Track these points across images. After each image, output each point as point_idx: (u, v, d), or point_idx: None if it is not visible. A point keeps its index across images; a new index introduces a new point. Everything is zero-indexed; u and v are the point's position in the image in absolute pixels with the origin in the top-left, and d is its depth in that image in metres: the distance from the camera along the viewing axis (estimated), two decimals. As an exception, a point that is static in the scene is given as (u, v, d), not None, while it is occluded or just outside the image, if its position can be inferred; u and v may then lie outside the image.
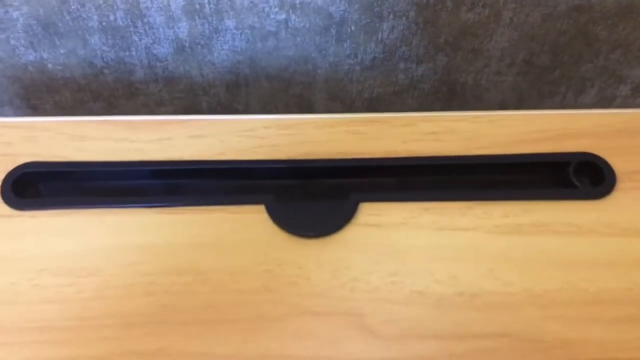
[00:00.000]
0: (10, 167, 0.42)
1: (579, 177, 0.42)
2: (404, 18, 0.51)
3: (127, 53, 0.54)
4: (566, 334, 0.36)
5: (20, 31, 0.51)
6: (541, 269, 0.38)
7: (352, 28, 0.52)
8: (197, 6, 0.50)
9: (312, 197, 0.42)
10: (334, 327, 0.36)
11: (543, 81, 0.58)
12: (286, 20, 0.51)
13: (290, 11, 0.50)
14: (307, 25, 0.51)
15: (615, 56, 0.56)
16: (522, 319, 0.37)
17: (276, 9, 0.50)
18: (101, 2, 0.49)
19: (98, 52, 0.54)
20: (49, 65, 0.55)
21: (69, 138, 0.43)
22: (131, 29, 0.51)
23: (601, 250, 0.39)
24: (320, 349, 0.36)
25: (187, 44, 0.53)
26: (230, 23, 0.51)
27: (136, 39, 0.53)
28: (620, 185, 0.41)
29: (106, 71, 0.56)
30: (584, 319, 0.37)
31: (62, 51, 0.53)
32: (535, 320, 0.37)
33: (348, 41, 0.53)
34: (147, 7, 0.50)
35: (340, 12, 0.50)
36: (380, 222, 0.40)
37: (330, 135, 0.44)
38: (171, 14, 0.50)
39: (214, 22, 0.51)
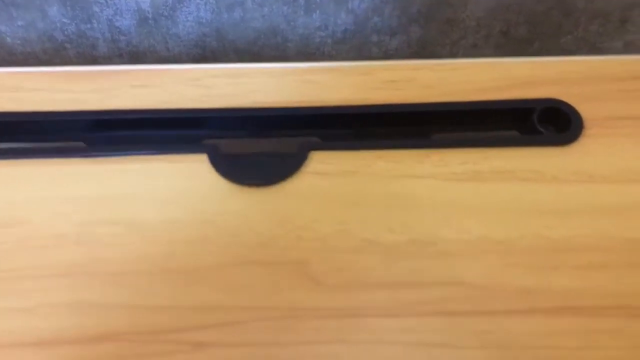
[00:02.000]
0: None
1: (545, 124, 0.40)
2: (375, -15, 0.49)
3: (88, 26, 0.52)
4: (525, 282, 0.34)
5: (-26, 2, 0.49)
6: (501, 216, 0.36)
7: (321, -4, 0.49)
8: (159, -27, 0.47)
9: (259, 147, 0.39)
10: (276, 277, 0.34)
11: (522, 54, 0.56)
12: (252, -12, 0.48)
13: (256, -22, 0.48)
14: (273, -6, 0.49)
15: (594, 27, 0.53)
16: (478, 267, 0.34)
17: (240, -24, 0.48)
18: (57, -31, 0.47)
19: (58, 24, 0.51)
20: (8, 39, 0.52)
21: (3, 89, 0.40)
22: (91, -2, 0.49)
23: (565, 197, 0.36)
24: (261, 299, 0.33)
25: (150, 15, 0.51)
26: (194, -8, 0.49)
27: (97, 10, 0.50)
28: (588, 131, 0.39)
29: (68, 45, 0.53)
30: (545, 267, 0.34)
31: (20, 23, 0.51)
32: (492, 268, 0.34)
33: (317, 11, 0.50)
34: (106, -25, 0.47)
35: (308, -21, 0.48)
36: (331, 171, 0.38)
37: (282, 85, 0.41)
38: (132, -18, 0.48)
39: (178, -10, 0.49)
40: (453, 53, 0.56)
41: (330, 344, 0.32)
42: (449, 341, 0.32)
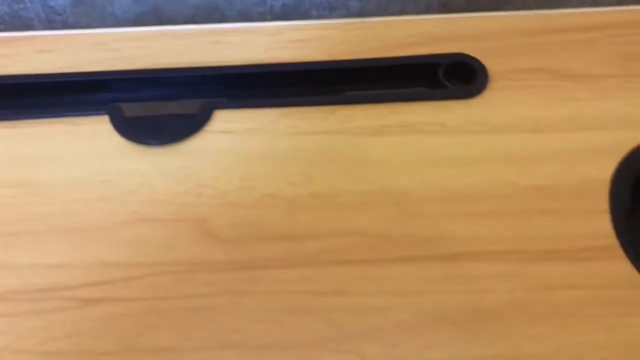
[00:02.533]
0: None
1: (452, 79, 0.39)
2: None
3: (21, 5, 0.51)
4: (422, 230, 0.34)
5: None
6: (402, 167, 0.36)
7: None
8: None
9: (163, 109, 0.38)
10: (174, 233, 0.34)
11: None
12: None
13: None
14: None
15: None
16: (376, 217, 0.34)
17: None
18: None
19: (-11, 4, 0.50)
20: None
21: None
22: (21, -25, 0.48)
23: (468, 147, 0.37)
24: (158, 254, 0.33)
25: (85, -6, 0.50)
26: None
27: (29, -11, 0.49)
28: (493, 84, 0.39)
29: (1, 26, 0.52)
30: (443, 215, 0.34)
31: (-49, 5, 0.50)
32: (390, 217, 0.34)
33: (255, -13, 0.50)
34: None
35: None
36: (235, 129, 0.37)
37: (190, 47, 0.41)
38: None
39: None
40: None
41: (224, 295, 0.32)
42: (346, 289, 0.32)
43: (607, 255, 0.33)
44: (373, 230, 0.34)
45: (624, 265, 0.33)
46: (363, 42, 0.41)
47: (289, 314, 0.31)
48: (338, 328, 0.31)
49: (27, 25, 0.52)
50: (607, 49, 0.40)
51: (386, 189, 0.35)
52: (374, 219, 0.34)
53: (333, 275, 0.32)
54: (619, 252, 0.33)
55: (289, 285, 0.32)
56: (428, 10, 0.53)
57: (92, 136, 0.37)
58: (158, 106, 0.39)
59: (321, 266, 0.33)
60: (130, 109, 0.38)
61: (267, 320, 0.31)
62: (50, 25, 0.51)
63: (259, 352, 0.30)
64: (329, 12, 0.53)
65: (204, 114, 0.38)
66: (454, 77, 0.40)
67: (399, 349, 0.30)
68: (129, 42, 0.41)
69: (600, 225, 0.34)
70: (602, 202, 0.35)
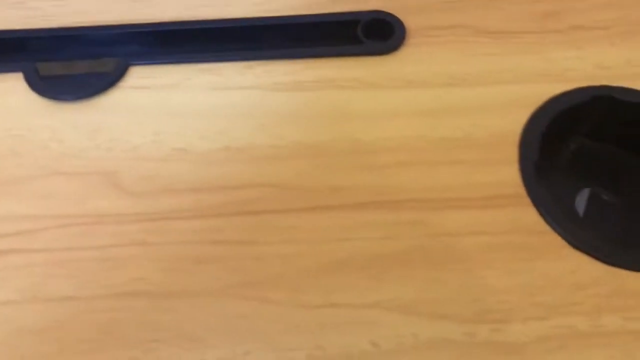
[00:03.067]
0: None
1: (371, 35, 0.40)
2: None
3: None
4: (333, 181, 0.34)
5: None
6: (317, 122, 0.36)
7: None
8: None
9: (78, 65, 0.38)
10: (83, 186, 0.33)
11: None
12: None
13: None
14: None
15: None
16: (288, 170, 0.34)
17: None
18: None
19: None
20: None
21: None
22: None
23: (382, 102, 0.37)
24: (65, 207, 0.33)
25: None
26: None
27: None
28: (410, 41, 0.39)
29: None
30: (354, 167, 0.34)
31: None
32: (303, 170, 0.34)
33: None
34: None
35: None
36: (150, 85, 0.37)
37: (109, 5, 0.40)
38: None
39: None
40: None
41: (131, 246, 0.32)
42: (253, 238, 0.32)
43: (514, 203, 0.33)
44: (284, 182, 0.34)
45: (530, 212, 0.33)
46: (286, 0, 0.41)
47: (195, 262, 0.31)
48: (242, 275, 0.31)
49: None
50: (526, 7, 0.41)
51: (299, 142, 0.35)
52: (286, 172, 0.34)
53: (240, 225, 0.32)
54: (526, 200, 0.34)
55: (196, 236, 0.32)
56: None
57: (4, 94, 0.36)
58: (74, 64, 0.38)
59: (229, 217, 0.33)
60: (46, 68, 0.38)
61: (173, 268, 0.31)
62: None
63: (165, 299, 0.30)
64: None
65: (119, 71, 0.37)
66: (373, 34, 0.40)
67: (301, 295, 0.30)
68: (47, 1, 0.41)
69: (509, 175, 0.34)
70: (513, 154, 0.35)
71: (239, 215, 0.33)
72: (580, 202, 0.39)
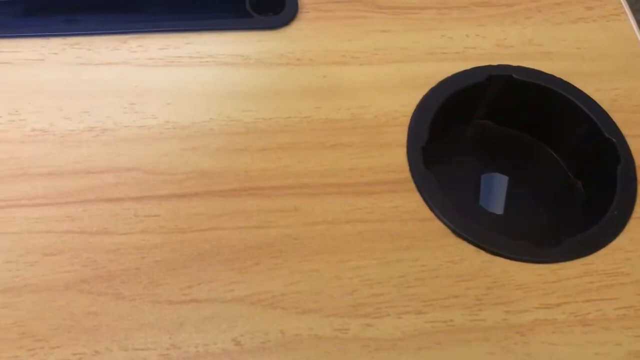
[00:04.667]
0: None
1: (261, 9, 0.37)
2: None
3: None
4: (206, 165, 0.31)
5: None
6: (193, 101, 0.33)
7: None
8: None
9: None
10: None
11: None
12: None
13: None
14: None
15: None
16: (156, 153, 0.31)
17: None
18: None
19: None
20: None
21: None
22: None
23: (268, 80, 0.34)
24: None
25: None
26: None
27: None
28: (301, 15, 0.37)
29: None
30: (230, 150, 0.32)
31: None
32: (173, 152, 0.31)
33: None
34: None
35: None
36: (13, 59, 0.34)
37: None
38: None
39: None
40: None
41: (-28, 237, 0.28)
42: (110, 228, 0.29)
43: (398, 189, 0.31)
44: (150, 166, 0.31)
45: (414, 198, 0.31)
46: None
47: (43, 254, 0.28)
48: (94, 269, 0.28)
49: None
50: (426, -19, 0.38)
51: (172, 122, 0.32)
52: (154, 155, 0.31)
53: (97, 213, 0.30)
54: (411, 185, 0.31)
55: (46, 225, 0.29)
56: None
57: None
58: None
59: (86, 204, 0.30)
60: None
61: (18, 261, 0.28)
62: None
63: (4, 295, 0.27)
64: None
65: (-23, 43, 0.34)
66: (264, 8, 0.37)
67: (158, 289, 0.28)
68: None
69: (395, 159, 0.32)
70: (402, 137, 0.33)
71: (97, 202, 0.30)
72: (481, 186, 0.37)
